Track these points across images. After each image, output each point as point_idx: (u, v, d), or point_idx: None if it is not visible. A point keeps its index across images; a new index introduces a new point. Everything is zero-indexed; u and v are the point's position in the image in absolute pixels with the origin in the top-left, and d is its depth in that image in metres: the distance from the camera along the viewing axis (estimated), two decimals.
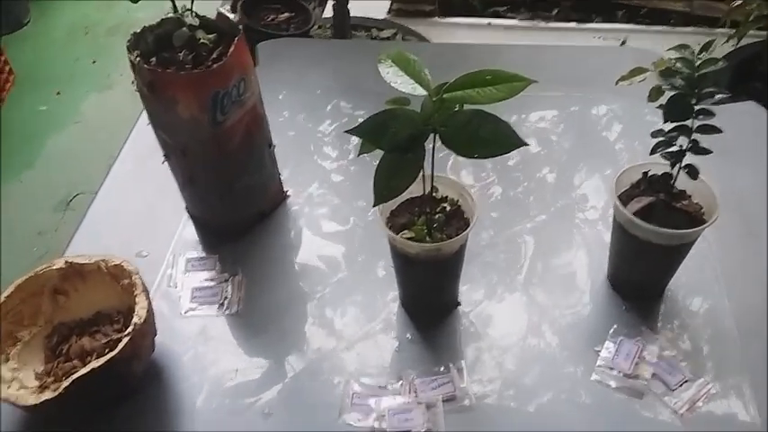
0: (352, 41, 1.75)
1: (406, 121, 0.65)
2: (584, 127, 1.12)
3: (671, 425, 0.73)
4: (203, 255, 0.91)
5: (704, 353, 0.79)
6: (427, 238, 0.74)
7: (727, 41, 1.69)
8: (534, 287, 0.87)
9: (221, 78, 0.76)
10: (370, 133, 0.65)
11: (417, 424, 0.73)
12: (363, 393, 0.76)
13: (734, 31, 1.57)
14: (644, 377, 0.77)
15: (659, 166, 0.79)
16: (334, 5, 1.81)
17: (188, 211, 0.96)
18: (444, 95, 0.64)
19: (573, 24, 2.30)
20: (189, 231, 0.95)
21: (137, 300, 0.73)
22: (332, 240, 0.94)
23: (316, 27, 2.02)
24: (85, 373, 0.66)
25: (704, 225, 0.74)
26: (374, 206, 0.67)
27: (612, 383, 0.77)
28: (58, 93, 2.40)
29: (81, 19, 2.78)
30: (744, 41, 1.65)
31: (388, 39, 2.02)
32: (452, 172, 1.03)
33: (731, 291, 0.85)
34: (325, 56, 1.33)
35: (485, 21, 2.32)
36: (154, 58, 0.76)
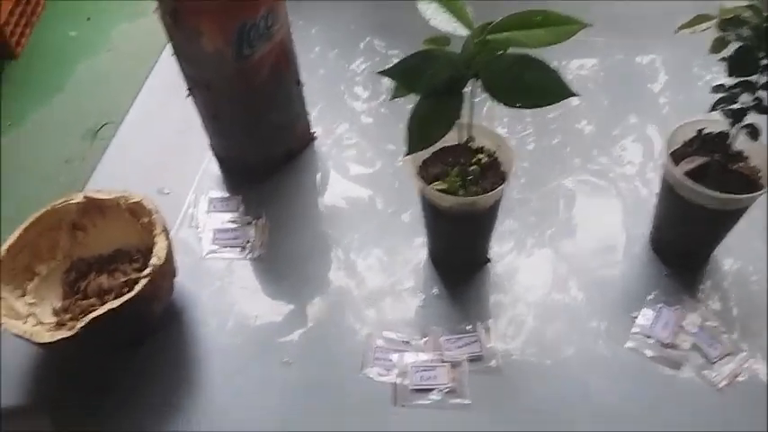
0: None
1: (444, 64, 0.60)
2: (627, 77, 1.05)
3: (707, 398, 0.69)
4: (226, 195, 0.88)
5: (749, 325, 0.74)
6: (461, 191, 0.70)
7: None
8: (568, 247, 0.83)
9: (249, 9, 0.71)
10: (405, 75, 0.60)
11: (441, 383, 0.71)
12: (386, 348, 0.74)
13: None
14: (682, 348, 0.73)
15: (715, 123, 0.74)
16: None
17: (212, 149, 0.92)
18: (488, 37, 0.59)
19: None
20: (212, 170, 0.92)
21: (156, 240, 0.70)
22: (359, 184, 0.91)
23: None
24: (103, 313, 0.64)
25: (763, 190, 0.69)
26: (406, 155, 0.62)
27: (648, 352, 0.73)
28: (89, 18, 2.35)
29: None
30: None
31: None
32: (486, 120, 0.97)
33: None
34: None
35: None
36: None
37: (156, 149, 0.95)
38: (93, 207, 0.75)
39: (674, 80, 1.03)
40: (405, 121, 0.60)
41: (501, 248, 0.82)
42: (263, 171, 0.90)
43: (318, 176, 0.92)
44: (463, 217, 0.72)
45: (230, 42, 0.72)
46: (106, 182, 0.87)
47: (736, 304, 0.76)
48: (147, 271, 0.67)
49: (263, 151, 0.88)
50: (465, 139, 0.69)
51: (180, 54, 0.77)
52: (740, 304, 0.76)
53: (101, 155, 0.94)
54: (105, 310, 0.64)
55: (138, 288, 0.65)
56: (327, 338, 0.75)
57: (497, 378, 0.71)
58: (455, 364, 0.72)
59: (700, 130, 0.75)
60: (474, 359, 0.73)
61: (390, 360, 0.73)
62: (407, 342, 0.74)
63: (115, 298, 0.71)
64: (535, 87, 0.58)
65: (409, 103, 0.61)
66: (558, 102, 0.58)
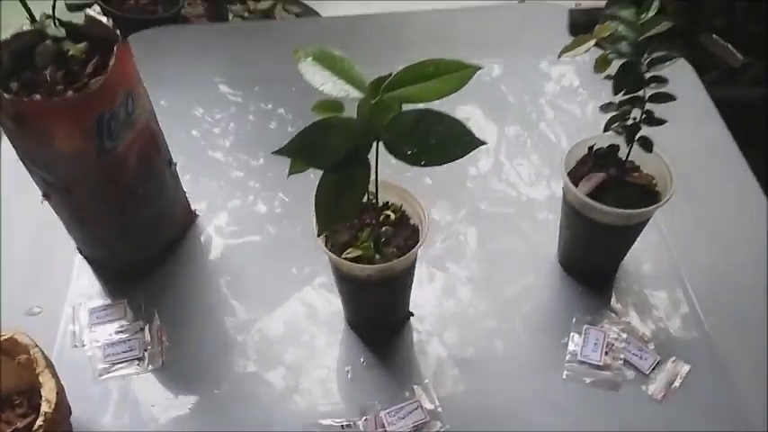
0: (235, 25, 1.61)
1: (342, 132, 0.55)
2: (493, 94, 1.05)
3: (651, 412, 0.69)
4: (108, 302, 0.77)
5: (668, 328, 0.76)
6: (376, 256, 0.65)
7: None
8: (484, 284, 0.80)
9: (105, 98, 0.63)
10: (304, 151, 0.55)
11: None
12: None
13: None
14: (615, 367, 0.73)
15: (604, 138, 0.74)
16: None
17: (81, 253, 0.81)
18: (383, 96, 0.55)
19: None
20: (86, 276, 0.80)
21: (41, 379, 0.60)
22: (257, 261, 0.83)
23: (186, 4, 1.83)
24: None
25: (663, 200, 0.69)
26: (319, 236, 0.57)
27: (586, 379, 0.72)
28: None
29: None
30: None
31: (266, 10, 1.87)
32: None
33: (681, 256, 0.82)
34: (209, 43, 1.18)
35: None
36: (14, 83, 0.62)
37: (13, 264, 0.82)
38: None
39: (526, 86, 1.04)
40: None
41: (420, 299, 0.78)
42: (145, 267, 0.80)
43: (210, 261, 0.83)
44: (383, 282, 0.67)
45: (89, 138, 0.63)
46: None
47: (652, 309, 0.77)
48: (39, 422, 0.56)
49: (141, 247, 0.79)
50: (373, 200, 0.64)
51: (29, 159, 0.66)
52: (655, 308, 0.77)
53: None
54: None
55: None
56: None
57: None
58: None
59: (590, 147, 0.75)
60: (419, 427, 0.68)
61: None
62: (348, 425, 0.68)
63: None
64: (442, 143, 0.55)
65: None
66: (468, 153, 0.56)
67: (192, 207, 0.87)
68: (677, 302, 0.78)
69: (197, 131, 0.98)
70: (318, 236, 0.57)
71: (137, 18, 1.69)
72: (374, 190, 0.63)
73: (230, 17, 1.82)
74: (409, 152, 0.55)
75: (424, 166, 0.56)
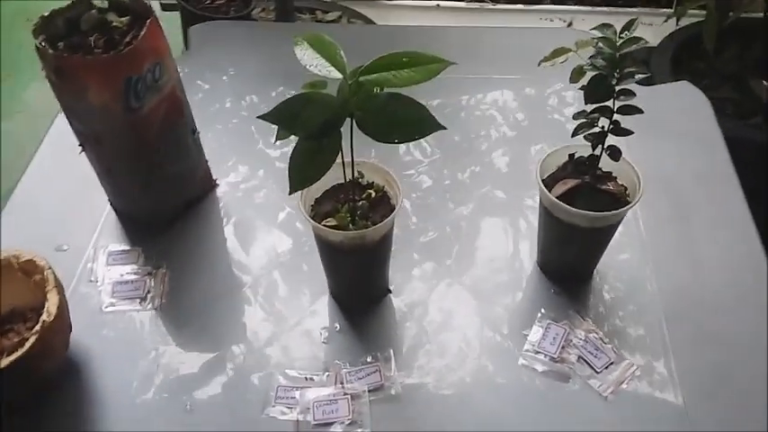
0: (292, 24, 1.72)
1: (320, 106, 0.63)
2: (532, 108, 1.11)
3: (596, 407, 0.73)
4: (126, 247, 0.88)
5: (630, 335, 0.79)
6: (351, 226, 0.72)
7: (666, 21, 1.71)
8: (466, 273, 0.86)
9: (133, 63, 0.73)
10: (284, 119, 0.63)
11: (342, 415, 0.72)
12: (288, 386, 0.75)
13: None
14: (570, 361, 0.77)
15: (586, 148, 0.79)
16: None
17: (110, 203, 0.92)
18: (360, 78, 0.62)
19: (520, 6, 2.30)
20: (112, 223, 0.91)
21: (48, 296, 0.70)
22: (262, 230, 0.92)
23: (259, 10, 1.97)
24: None
25: (626, 207, 0.74)
26: (289, 194, 0.65)
27: (539, 368, 0.76)
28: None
29: (22, 5, 2.67)
30: (688, 21, 1.68)
31: (332, 21, 1.99)
32: (398, 151, 1.01)
33: (658, 271, 0.85)
34: (264, 39, 1.29)
35: (433, 3, 2.30)
36: (61, 44, 0.73)
37: (54, 207, 0.94)
38: None
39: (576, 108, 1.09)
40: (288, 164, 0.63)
41: (401, 278, 0.85)
42: (163, 222, 0.90)
43: (220, 224, 0.93)
44: (356, 251, 0.74)
45: (118, 96, 0.73)
46: (3, 244, 0.86)
47: (619, 315, 0.81)
48: (37, 328, 0.66)
49: (161, 203, 0.89)
50: (351, 176, 0.72)
51: (68, 110, 0.78)
52: (622, 315, 0.81)
53: None
54: None
55: (26, 346, 0.65)
56: (231, 384, 0.76)
57: (397, 406, 0.73)
58: (356, 396, 0.74)
59: (571, 155, 0.80)
60: (374, 389, 0.74)
61: (293, 397, 0.74)
62: (310, 378, 0.76)
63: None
64: (406, 123, 0.62)
65: None
66: (428, 134, 0.63)
67: (214, 177, 0.96)
68: (644, 312, 0.81)
69: (255, 128, 1.08)
70: (290, 194, 0.65)
71: (210, 16, 1.83)
72: (352, 168, 0.71)
73: None
74: (377, 129, 0.63)
75: (394, 142, 0.64)
